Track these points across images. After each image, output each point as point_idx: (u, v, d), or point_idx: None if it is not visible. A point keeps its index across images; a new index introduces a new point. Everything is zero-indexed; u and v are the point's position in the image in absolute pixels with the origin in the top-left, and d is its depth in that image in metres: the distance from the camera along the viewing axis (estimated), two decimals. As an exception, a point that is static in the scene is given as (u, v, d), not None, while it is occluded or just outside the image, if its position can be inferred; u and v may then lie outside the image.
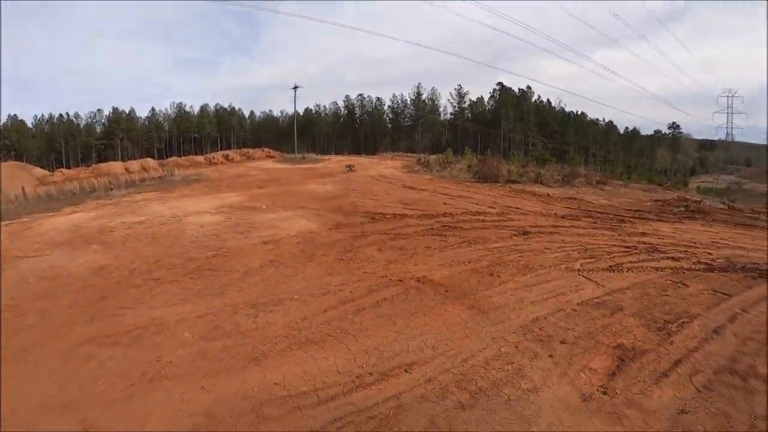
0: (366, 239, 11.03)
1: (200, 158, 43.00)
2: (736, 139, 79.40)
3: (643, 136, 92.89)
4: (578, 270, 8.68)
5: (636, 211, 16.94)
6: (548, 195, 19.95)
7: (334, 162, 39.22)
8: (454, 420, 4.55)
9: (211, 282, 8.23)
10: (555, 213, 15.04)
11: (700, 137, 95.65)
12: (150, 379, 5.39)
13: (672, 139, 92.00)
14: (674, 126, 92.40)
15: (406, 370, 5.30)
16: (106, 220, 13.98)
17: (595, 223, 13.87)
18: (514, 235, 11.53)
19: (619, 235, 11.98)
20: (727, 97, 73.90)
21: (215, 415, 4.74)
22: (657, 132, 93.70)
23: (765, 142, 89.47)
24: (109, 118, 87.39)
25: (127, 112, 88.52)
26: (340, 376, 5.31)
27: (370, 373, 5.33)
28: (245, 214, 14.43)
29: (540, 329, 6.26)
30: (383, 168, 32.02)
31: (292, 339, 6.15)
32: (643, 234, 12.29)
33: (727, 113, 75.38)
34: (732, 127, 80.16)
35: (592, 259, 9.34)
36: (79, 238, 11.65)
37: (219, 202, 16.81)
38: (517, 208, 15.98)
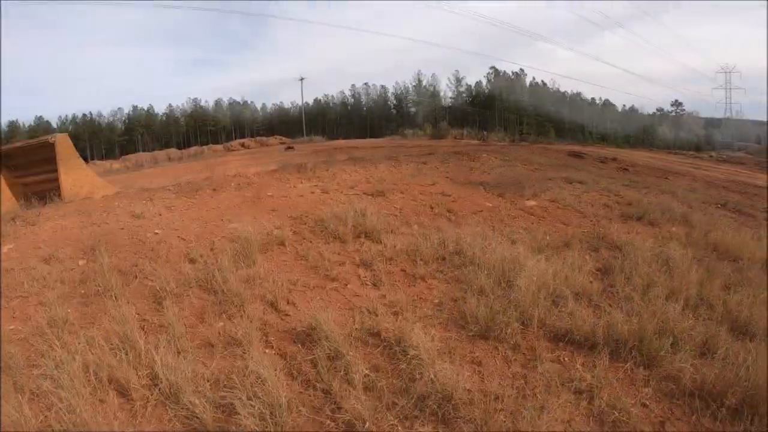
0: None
1: (219, 147, 43.07)
2: (745, 117, 78.22)
3: (644, 114, 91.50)
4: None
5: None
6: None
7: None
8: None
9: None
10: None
11: (706, 115, 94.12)
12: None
13: (675, 117, 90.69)
14: (677, 104, 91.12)
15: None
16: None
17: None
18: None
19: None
20: (725, 73, 72.77)
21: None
22: (659, 110, 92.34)
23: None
24: (129, 116, 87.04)
25: (146, 109, 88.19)
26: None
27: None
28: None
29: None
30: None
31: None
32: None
33: (725, 89, 74.29)
34: (731, 103, 79.13)
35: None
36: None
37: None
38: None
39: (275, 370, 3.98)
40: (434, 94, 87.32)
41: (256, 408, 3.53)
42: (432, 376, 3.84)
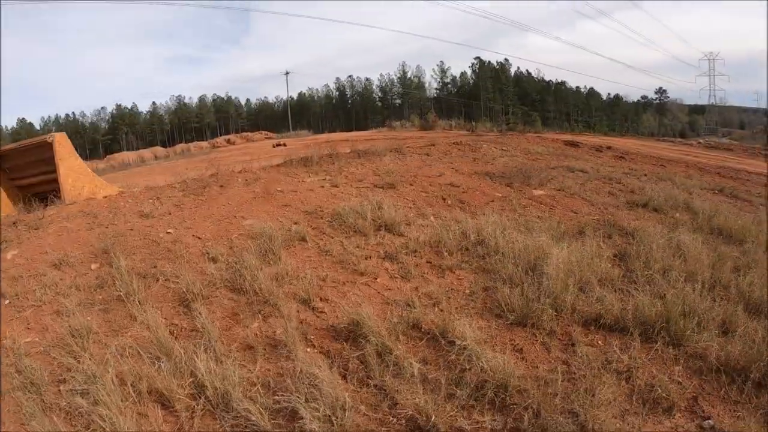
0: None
1: (204, 143, 42.77)
2: (728, 103, 79.53)
3: (629, 102, 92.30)
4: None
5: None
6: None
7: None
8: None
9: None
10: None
11: (690, 102, 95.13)
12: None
13: (659, 104, 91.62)
14: (661, 91, 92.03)
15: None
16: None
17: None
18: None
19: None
20: (708, 60, 73.72)
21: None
22: (644, 98, 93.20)
23: (755, 105, 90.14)
24: (113, 115, 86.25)
25: (129, 108, 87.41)
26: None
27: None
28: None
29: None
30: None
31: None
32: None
33: (709, 76, 75.29)
34: (714, 90, 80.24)
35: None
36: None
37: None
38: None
39: (328, 369, 3.96)
40: (419, 86, 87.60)
41: (320, 411, 3.52)
42: (484, 365, 3.93)
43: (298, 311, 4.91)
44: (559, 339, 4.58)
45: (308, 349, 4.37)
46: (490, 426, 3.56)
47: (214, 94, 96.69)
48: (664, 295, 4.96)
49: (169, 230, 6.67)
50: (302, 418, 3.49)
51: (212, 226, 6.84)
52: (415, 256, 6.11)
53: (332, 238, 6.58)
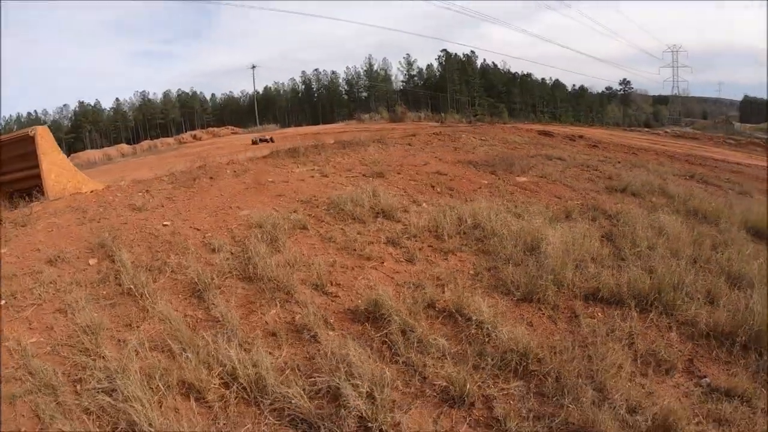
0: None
1: (170, 140, 42.12)
2: (690, 94, 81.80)
3: (594, 93, 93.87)
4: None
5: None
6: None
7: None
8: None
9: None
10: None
11: (654, 93, 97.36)
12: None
13: (623, 95, 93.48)
14: (625, 83, 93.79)
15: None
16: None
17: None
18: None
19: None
20: (672, 52, 75.57)
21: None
22: (608, 89, 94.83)
23: (717, 96, 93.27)
24: (75, 113, 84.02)
25: (92, 105, 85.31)
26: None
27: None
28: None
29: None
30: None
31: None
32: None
33: (673, 67, 77.23)
34: (678, 81, 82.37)
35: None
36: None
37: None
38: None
39: (358, 349, 4.09)
40: (386, 78, 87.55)
41: (362, 388, 3.67)
42: (502, 337, 4.22)
43: (312, 297, 5.03)
44: (563, 312, 4.94)
45: (330, 333, 4.49)
46: (516, 392, 3.83)
47: (179, 89, 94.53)
48: (654, 269, 5.41)
49: (165, 222, 6.67)
50: (344, 396, 3.62)
51: (209, 217, 6.88)
52: (416, 241, 6.32)
53: (332, 225, 6.70)
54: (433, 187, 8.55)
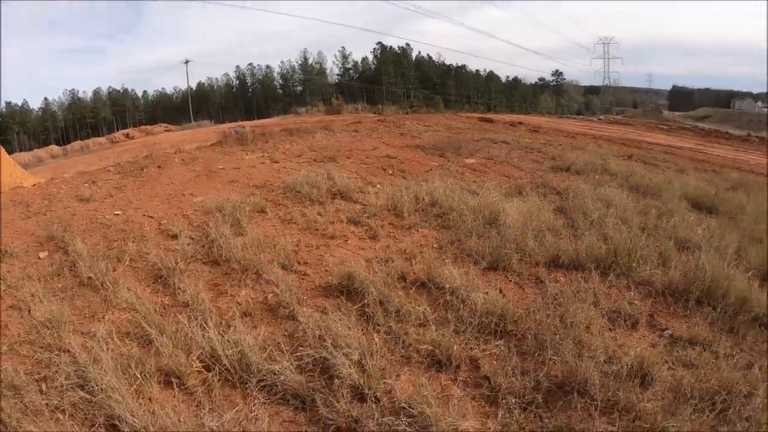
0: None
1: (102, 139, 40.60)
2: (621, 84, 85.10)
3: (527, 84, 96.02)
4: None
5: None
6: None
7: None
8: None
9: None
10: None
11: (586, 84, 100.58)
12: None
13: (556, 86, 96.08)
14: (557, 73, 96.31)
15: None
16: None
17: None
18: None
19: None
20: (603, 44, 78.21)
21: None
22: (541, 80, 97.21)
23: (647, 86, 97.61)
24: (2, 114, 79.27)
25: (20, 105, 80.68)
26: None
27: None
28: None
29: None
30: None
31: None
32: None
33: (604, 59, 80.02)
34: (609, 72, 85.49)
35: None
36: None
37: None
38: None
39: (338, 322, 4.08)
40: (321, 72, 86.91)
41: (352, 356, 3.67)
42: (477, 301, 4.34)
43: (282, 276, 4.96)
44: (529, 279, 5.13)
45: (304, 309, 4.44)
46: (499, 351, 3.95)
47: (110, 86, 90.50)
48: (608, 236, 5.70)
49: (116, 212, 6.47)
50: (335, 366, 3.62)
51: (162, 205, 6.72)
52: (377, 219, 6.37)
53: (291, 208, 6.67)
54: (384, 170, 8.62)
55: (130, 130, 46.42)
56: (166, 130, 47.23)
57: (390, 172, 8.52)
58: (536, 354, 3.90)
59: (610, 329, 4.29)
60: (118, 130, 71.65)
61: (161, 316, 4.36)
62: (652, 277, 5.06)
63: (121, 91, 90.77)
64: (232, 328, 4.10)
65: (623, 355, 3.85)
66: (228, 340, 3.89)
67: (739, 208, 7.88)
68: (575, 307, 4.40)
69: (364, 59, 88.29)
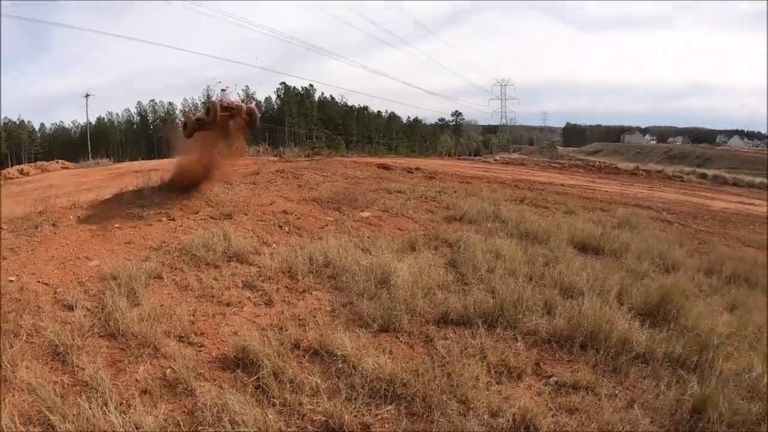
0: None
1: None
2: (518, 123, 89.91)
3: (428, 124, 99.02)
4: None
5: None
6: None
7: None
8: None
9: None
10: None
11: (484, 123, 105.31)
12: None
13: (455, 126, 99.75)
14: (457, 114, 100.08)
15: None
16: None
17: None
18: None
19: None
20: (501, 85, 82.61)
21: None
22: (441, 120, 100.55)
23: (542, 124, 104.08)
24: None
25: None
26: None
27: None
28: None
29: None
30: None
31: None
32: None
33: (501, 99, 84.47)
34: (506, 112, 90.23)
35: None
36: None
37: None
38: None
39: (234, 396, 4.17)
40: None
41: None
42: (367, 367, 4.59)
43: (179, 349, 4.97)
44: (419, 338, 5.43)
45: (202, 384, 4.47)
46: (389, 416, 4.19)
47: (6, 117, 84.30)
48: (495, 290, 6.15)
49: (11, 278, 6.14)
50: None
51: (57, 270, 6.48)
52: (272, 283, 6.49)
53: (187, 272, 6.63)
54: (281, 227, 8.76)
55: (24, 166, 43.41)
56: (63, 167, 44.60)
57: (286, 229, 8.68)
58: (425, 416, 4.16)
59: (497, 383, 4.64)
60: (12, 165, 66.92)
61: (62, 398, 4.20)
62: (537, 326, 5.49)
63: (18, 122, 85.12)
64: (132, 408, 4.06)
65: (508, 407, 4.20)
66: (129, 422, 3.87)
67: (623, 247, 8.64)
68: (462, 364, 4.72)
69: (268, 99, 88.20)
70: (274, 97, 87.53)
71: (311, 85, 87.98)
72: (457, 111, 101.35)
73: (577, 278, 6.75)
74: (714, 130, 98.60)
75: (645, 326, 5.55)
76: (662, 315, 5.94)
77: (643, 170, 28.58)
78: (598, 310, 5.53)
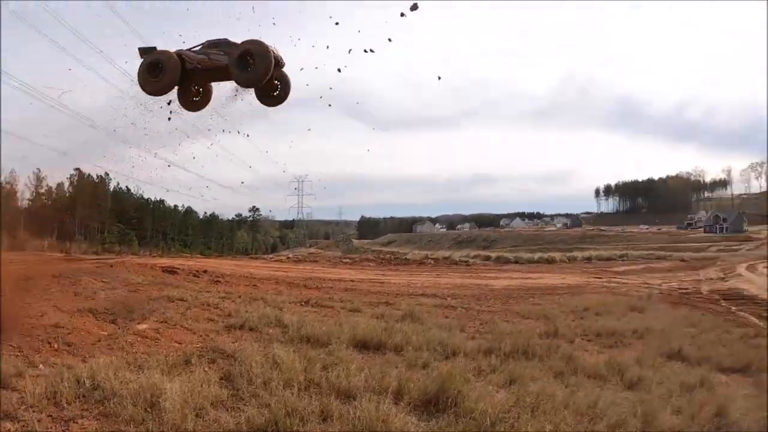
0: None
1: None
2: (314, 218, 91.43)
3: (225, 220, 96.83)
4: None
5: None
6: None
7: None
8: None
9: None
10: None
11: (281, 218, 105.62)
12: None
13: (252, 222, 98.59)
14: (254, 209, 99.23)
15: None
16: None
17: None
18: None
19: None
20: (298, 181, 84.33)
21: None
22: (238, 215, 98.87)
23: (338, 219, 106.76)
24: None
25: None
26: None
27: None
28: None
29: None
30: None
31: None
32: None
33: (298, 195, 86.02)
34: (302, 207, 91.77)
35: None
36: None
37: None
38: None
39: None
40: (11, 194, 75.94)
41: None
42: None
43: None
44: None
45: None
46: None
47: None
48: (269, 404, 6.22)
49: None
50: None
51: None
52: (36, 412, 5.92)
53: None
54: (50, 343, 8.13)
55: None
56: None
57: (55, 346, 8.05)
58: None
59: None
60: None
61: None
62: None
63: None
64: None
65: None
66: None
67: (405, 339, 9.22)
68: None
69: (60, 185, 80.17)
70: (67, 183, 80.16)
71: (107, 174, 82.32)
72: (254, 206, 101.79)
73: (356, 379, 7.06)
74: (498, 215, 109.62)
75: (422, 418, 6.00)
76: (441, 403, 6.39)
77: (432, 258, 31.21)
78: (374, 411, 5.81)
